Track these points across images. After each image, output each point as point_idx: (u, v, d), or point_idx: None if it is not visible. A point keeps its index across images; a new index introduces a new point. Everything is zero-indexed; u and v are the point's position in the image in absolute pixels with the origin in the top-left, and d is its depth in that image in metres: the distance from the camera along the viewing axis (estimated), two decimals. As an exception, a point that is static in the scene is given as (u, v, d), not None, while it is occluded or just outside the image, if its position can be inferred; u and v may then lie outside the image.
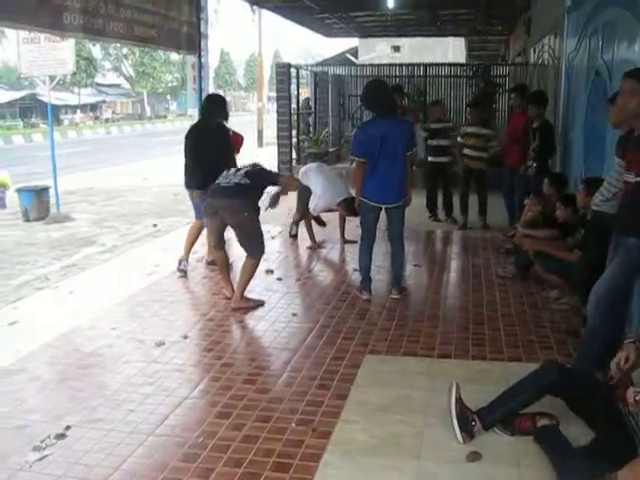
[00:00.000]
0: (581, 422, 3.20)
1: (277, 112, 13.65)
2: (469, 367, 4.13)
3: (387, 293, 5.73)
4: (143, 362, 4.26)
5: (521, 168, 7.53)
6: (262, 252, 5.42)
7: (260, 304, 5.43)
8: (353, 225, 7.16)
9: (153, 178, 15.50)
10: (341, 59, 26.91)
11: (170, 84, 56.63)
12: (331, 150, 14.70)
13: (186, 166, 6.22)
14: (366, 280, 5.66)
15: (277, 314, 5.23)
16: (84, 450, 3.18)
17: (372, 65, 17.87)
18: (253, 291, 5.62)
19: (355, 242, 6.79)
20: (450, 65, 16.67)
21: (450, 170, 8.94)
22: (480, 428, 3.20)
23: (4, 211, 10.90)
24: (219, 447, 3.19)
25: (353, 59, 27.86)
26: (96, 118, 49.09)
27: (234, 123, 7.48)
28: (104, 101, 52.26)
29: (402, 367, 4.15)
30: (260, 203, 5.40)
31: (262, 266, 5.74)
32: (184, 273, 6.35)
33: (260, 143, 24.44)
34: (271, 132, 17.77)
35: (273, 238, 7.85)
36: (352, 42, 28.36)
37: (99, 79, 52.99)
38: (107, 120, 48.90)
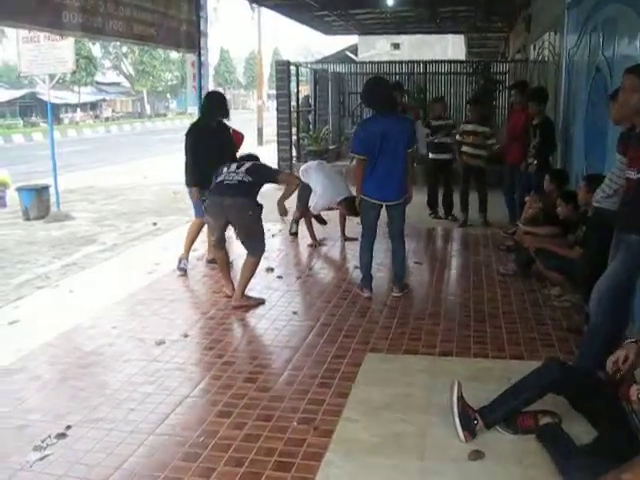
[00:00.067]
0: (584, 420, 3.19)
1: (277, 110, 13.64)
2: (471, 365, 4.12)
3: (388, 291, 5.72)
4: (144, 361, 4.25)
5: (522, 165, 7.52)
6: (263, 250, 5.41)
7: (261, 302, 5.43)
8: (354, 223, 7.15)
9: (153, 176, 15.50)
10: (341, 57, 26.86)
11: (170, 82, 56.60)
12: (331, 148, 14.69)
13: (186, 164, 6.21)
14: (367, 278, 5.65)
15: (278, 312, 5.22)
16: (85, 450, 3.17)
17: (372, 62, 17.81)
18: (253, 289, 5.61)
19: (356, 240, 6.79)
20: (450, 62, 16.63)
21: (451, 167, 8.92)
22: (482, 427, 3.19)
23: (4, 210, 10.89)
24: (220, 446, 3.18)
25: (353, 56, 27.79)
26: (96, 117, 49.10)
27: (234, 121, 7.46)
28: (104, 100, 52.26)
29: (403, 365, 4.14)
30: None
31: (262, 264, 5.73)
32: (184, 272, 6.34)
33: (260, 141, 24.42)
34: (271, 130, 17.78)
35: (273, 236, 7.83)
36: (352, 40, 28.24)
37: (99, 78, 52.95)
38: (107, 119, 48.91)
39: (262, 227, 5.37)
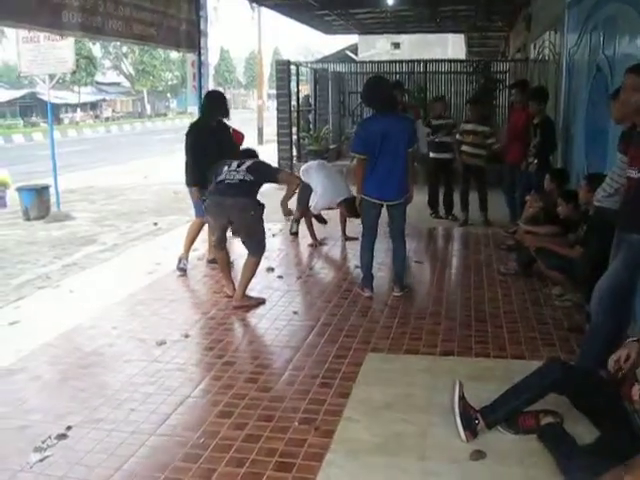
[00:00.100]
0: (586, 420, 3.18)
1: (277, 109, 13.64)
2: (472, 365, 4.11)
3: (389, 290, 5.71)
4: (144, 361, 4.25)
5: (522, 164, 7.51)
6: (263, 250, 5.41)
7: (261, 302, 5.42)
8: (354, 222, 7.13)
9: (153, 176, 15.49)
10: (341, 56, 26.85)
11: (170, 82, 56.58)
12: (331, 147, 14.69)
13: (187, 164, 6.20)
14: (368, 277, 5.64)
15: (278, 312, 5.22)
16: (85, 450, 3.17)
17: (372, 62, 17.80)
18: (254, 289, 5.60)
19: (356, 239, 6.78)
20: (450, 61, 16.63)
21: (452, 167, 8.92)
22: (483, 427, 3.18)
23: (4, 210, 10.89)
24: (221, 447, 3.17)
25: (353, 56, 27.79)
26: (96, 117, 49.08)
27: (234, 121, 7.45)
28: (104, 99, 52.24)
29: (404, 365, 4.13)
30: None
31: (263, 264, 5.72)
32: (184, 272, 6.33)
33: (260, 141, 24.40)
34: (271, 129, 17.78)
35: (274, 236, 7.82)
36: (352, 39, 28.23)
37: (99, 78, 52.93)
38: (107, 119, 48.90)
39: (263, 227, 5.37)
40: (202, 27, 8.49)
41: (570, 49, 7.73)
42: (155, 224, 9.39)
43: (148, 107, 56.15)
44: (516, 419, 3.21)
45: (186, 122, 7.19)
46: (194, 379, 3.99)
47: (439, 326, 4.83)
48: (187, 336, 4.70)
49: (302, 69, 15.03)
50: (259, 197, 5.32)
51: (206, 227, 6.35)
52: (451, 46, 31.56)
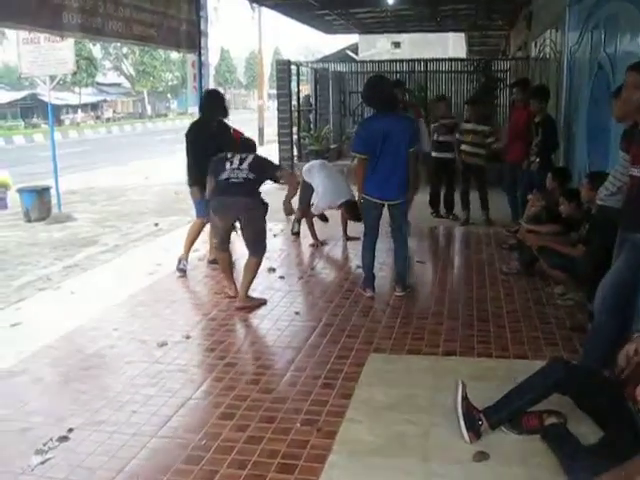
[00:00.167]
0: (589, 420, 3.16)
1: (278, 109, 13.62)
2: (474, 365, 4.10)
3: (391, 290, 5.70)
4: (145, 363, 4.23)
5: (524, 163, 7.50)
6: (265, 250, 5.40)
7: (262, 303, 5.41)
8: (355, 222, 7.11)
9: (154, 177, 15.48)
10: (341, 56, 26.82)
11: (170, 83, 56.58)
12: (332, 147, 14.68)
13: (188, 164, 6.20)
14: (369, 277, 5.63)
15: (280, 313, 5.20)
16: (87, 453, 3.16)
17: (372, 61, 17.78)
18: (255, 290, 5.59)
19: (358, 239, 6.77)
20: (451, 60, 16.61)
21: (453, 166, 8.89)
22: (487, 427, 3.17)
23: (5, 211, 10.88)
24: (223, 449, 3.16)
25: (353, 55, 27.76)
26: (97, 117, 49.07)
27: (235, 121, 7.45)
28: (105, 100, 52.23)
29: (407, 365, 4.11)
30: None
31: (264, 264, 5.71)
32: (183, 273, 6.31)
33: (261, 141, 24.36)
34: (272, 130, 17.76)
35: (275, 236, 7.81)
36: (352, 39, 28.19)
37: (100, 78, 52.93)
38: (108, 119, 48.88)
39: (265, 227, 5.36)
40: (202, 27, 8.48)
41: (571, 47, 7.72)
42: (156, 225, 9.38)
43: (149, 108, 56.15)
44: (520, 419, 3.19)
45: (186, 122, 7.17)
46: (195, 380, 3.98)
47: (441, 326, 4.82)
48: (188, 337, 4.69)
49: (303, 69, 15.01)
50: (263, 196, 5.32)
51: (207, 228, 6.35)
52: (452, 45, 31.53)
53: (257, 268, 5.37)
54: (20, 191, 10.13)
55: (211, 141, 5.97)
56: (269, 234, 5.70)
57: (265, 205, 5.29)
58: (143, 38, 7.10)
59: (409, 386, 3.79)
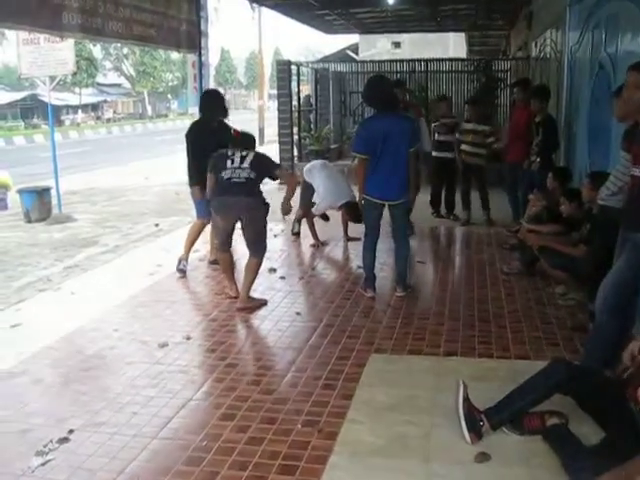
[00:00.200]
0: (591, 420, 3.15)
1: (278, 110, 13.61)
2: (475, 365, 4.09)
3: (392, 290, 5.69)
4: (146, 364, 4.23)
5: (525, 163, 7.49)
6: (265, 250, 5.39)
7: (263, 303, 5.40)
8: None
9: (155, 177, 15.47)
10: (341, 56, 26.80)
11: (171, 83, 56.56)
12: (332, 147, 14.67)
13: (189, 164, 6.19)
14: (370, 278, 5.62)
15: (281, 313, 5.20)
16: (87, 454, 3.15)
17: (373, 61, 17.77)
18: (256, 290, 5.58)
19: (358, 239, 6.76)
20: (451, 60, 16.60)
21: (454, 166, 8.88)
22: (488, 428, 3.16)
23: (5, 212, 10.88)
24: (224, 450, 3.15)
25: (354, 55, 27.75)
26: (97, 118, 49.07)
27: (235, 121, 7.44)
28: (105, 101, 52.23)
29: (408, 366, 4.10)
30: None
31: (265, 265, 5.70)
32: (183, 273, 6.30)
33: (261, 141, 24.37)
34: (272, 130, 17.74)
35: (276, 236, 7.81)
36: (352, 39, 28.17)
37: (100, 79, 52.92)
38: (108, 120, 48.88)
39: (266, 227, 5.35)
40: (202, 28, 8.47)
41: (572, 47, 7.71)
42: (156, 225, 9.37)
43: (149, 108, 56.14)
44: (521, 420, 3.19)
45: (187, 123, 7.16)
46: (196, 381, 3.97)
47: (442, 326, 4.81)
48: (189, 338, 4.68)
49: (303, 69, 15.01)
50: (264, 196, 5.31)
51: (207, 229, 6.34)
52: (452, 45, 31.52)
53: (258, 269, 5.37)
54: (20, 192, 10.13)
55: (211, 141, 5.96)
56: (270, 234, 5.69)
57: (267, 205, 5.28)
58: (143, 38, 7.08)
59: (410, 387, 3.79)
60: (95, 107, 50.74)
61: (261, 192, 5.31)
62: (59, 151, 10.85)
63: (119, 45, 41.58)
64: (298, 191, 7.16)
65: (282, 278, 6.18)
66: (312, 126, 15.18)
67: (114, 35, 6.49)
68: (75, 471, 3.01)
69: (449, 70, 15.64)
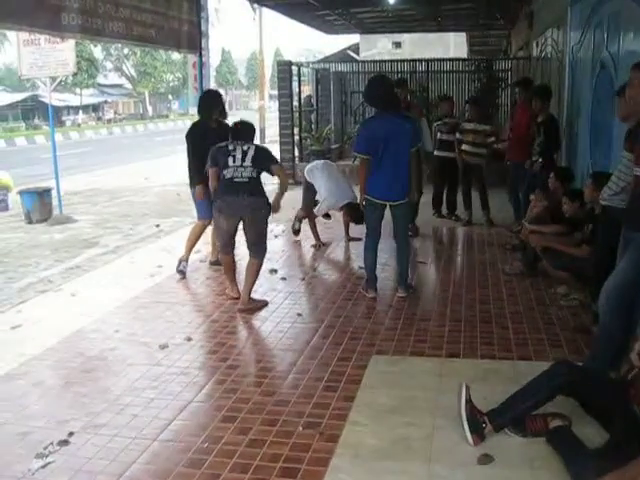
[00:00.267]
0: (595, 422, 3.14)
1: (279, 110, 13.60)
2: (478, 366, 4.06)
3: (393, 291, 5.67)
4: (147, 365, 4.21)
5: (526, 163, 7.46)
6: (265, 251, 5.38)
7: (264, 304, 5.38)
8: (357, 223, 7.09)
9: (155, 178, 15.47)
10: (342, 56, 26.79)
11: (171, 83, 56.60)
12: (334, 147, 14.65)
13: (189, 165, 6.17)
14: (371, 278, 5.60)
15: (282, 314, 5.18)
16: (87, 457, 3.13)
17: (374, 61, 17.76)
18: (257, 291, 5.56)
19: (359, 240, 6.74)
20: (452, 60, 16.57)
21: (456, 166, 8.85)
22: (491, 430, 3.14)
23: (6, 213, 10.87)
24: (225, 452, 3.13)
25: (354, 55, 27.73)
26: (98, 119, 49.06)
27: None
28: (106, 101, 52.22)
29: (410, 367, 4.08)
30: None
31: (266, 265, 5.69)
32: (183, 274, 6.27)
33: (262, 141, 24.37)
34: (273, 130, 17.77)
35: (276, 237, 7.79)
36: (353, 39, 28.15)
37: (101, 79, 52.93)
38: (109, 120, 48.85)
39: (267, 228, 5.34)
40: (203, 28, 8.48)
41: (573, 46, 7.68)
42: (157, 226, 9.35)
43: (150, 109, 56.16)
44: (524, 422, 3.16)
45: (188, 123, 7.16)
46: (197, 383, 3.95)
47: (444, 327, 4.79)
48: (190, 339, 4.66)
49: (304, 69, 14.98)
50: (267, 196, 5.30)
51: (208, 230, 6.33)
52: (453, 45, 31.50)
53: (259, 270, 5.35)
54: (21, 193, 10.13)
55: (212, 141, 5.94)
56: (270, 235, 5.67)
57: (269, 206, 5.26)
58: (143, 39, 7.07)
59: (412, 388, 3.77)
60: (96, 108, 50.74)
61: (264, 192, 5.28)
62: (60, 152, 10.85)
63: (120, 46, 41.55)
64: (299, 191, 7.18)
65: (283, 279, 6.17)
66: (313, 126, 15.16)
67: (114, 35, 6.48)
68: (75, 474, 2.99)
69: (450, 70, 15.61)
